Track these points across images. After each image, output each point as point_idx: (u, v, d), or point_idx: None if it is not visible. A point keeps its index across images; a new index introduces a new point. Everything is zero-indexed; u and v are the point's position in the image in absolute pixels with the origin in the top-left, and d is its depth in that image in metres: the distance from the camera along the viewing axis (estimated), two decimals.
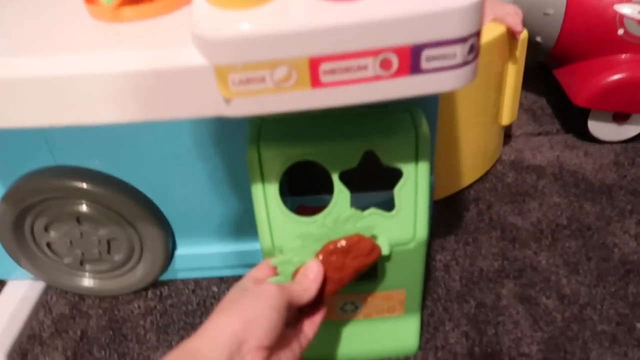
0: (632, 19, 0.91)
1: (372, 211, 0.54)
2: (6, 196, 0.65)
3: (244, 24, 0.38)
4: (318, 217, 0.53)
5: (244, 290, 0.46)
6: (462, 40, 0.39)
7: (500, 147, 1.00)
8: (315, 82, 0.40)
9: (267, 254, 0.55)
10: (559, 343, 0.68)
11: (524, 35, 0.84)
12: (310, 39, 0.38)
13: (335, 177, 0.53)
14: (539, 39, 1.01)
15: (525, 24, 0.87)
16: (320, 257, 0.50)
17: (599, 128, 1.01)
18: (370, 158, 0.53)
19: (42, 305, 0.77)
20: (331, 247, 0.50)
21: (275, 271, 0.50)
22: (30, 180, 0.64)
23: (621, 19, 0.92)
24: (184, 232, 0.72)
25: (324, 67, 0.39)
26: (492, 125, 0.92)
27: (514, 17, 0.83)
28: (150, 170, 0.65)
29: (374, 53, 0.39)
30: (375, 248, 0.52)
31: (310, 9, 0.38)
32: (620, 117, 0.99)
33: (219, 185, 0.67)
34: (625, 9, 0.91)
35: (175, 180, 0.66)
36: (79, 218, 0.67)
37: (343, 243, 0.50)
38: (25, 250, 0.71)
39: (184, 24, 0.42)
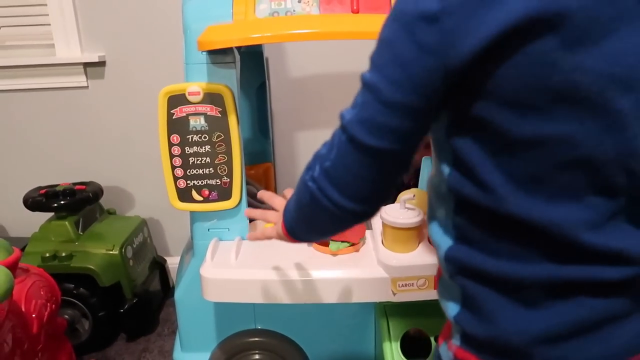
0: None
1: None
2: (221, 346, 0.99)
3: (405, 260, 0.80)
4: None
5: None
6: None
7: None
8: (436, 286, 0.80)
9: None
10: None
11: None
12: (434, 266, 0.80)
13: (432, 339, 0.90)
14: None
15: None
16: None
17: None
18: None
19: None
20: None
21: None
22: (236, 338, 0.99)
23: None
24: None
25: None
26: None
27: None
28: (304, 326, 0.99)
29: None
30: None
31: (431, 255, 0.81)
32: None
33: (347, 337, 1.01)
34: None
35: (317, 330, 1.00)
36: None
37: None
38: None
39: (369, 255, 0.85)
